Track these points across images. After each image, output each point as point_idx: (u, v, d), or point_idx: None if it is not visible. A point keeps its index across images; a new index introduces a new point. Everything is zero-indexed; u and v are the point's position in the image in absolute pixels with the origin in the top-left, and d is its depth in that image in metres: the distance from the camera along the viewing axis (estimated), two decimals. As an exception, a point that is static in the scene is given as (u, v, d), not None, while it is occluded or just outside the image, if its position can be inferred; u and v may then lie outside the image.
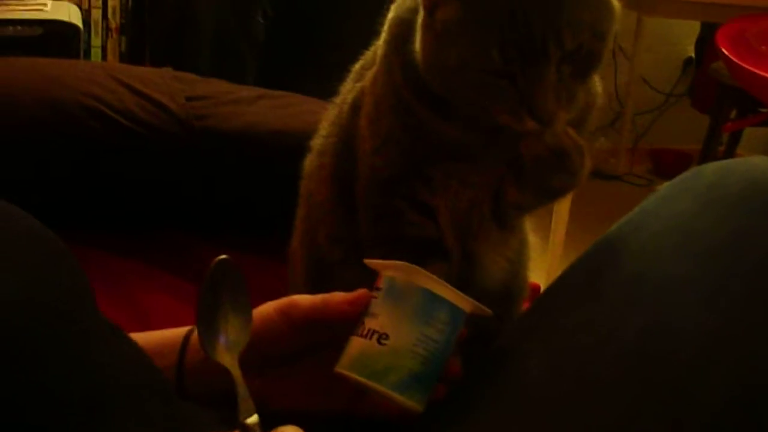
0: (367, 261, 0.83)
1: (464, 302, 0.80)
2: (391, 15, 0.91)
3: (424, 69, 0.82)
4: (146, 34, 2.63)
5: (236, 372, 0.77)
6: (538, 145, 0.84)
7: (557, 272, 0.91)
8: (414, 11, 0.85)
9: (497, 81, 0.77)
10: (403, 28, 0.87)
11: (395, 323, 0.78)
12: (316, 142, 1.02)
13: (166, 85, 1.40)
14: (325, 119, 1.02)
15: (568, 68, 0.77)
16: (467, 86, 0.79)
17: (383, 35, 0.91)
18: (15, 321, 0.59)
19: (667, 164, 3.91)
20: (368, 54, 0.96)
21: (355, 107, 0.95)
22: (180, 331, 0.88)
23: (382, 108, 0.90)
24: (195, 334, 0.86)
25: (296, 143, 1.05)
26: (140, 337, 0.85)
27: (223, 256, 0.81)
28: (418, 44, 0.83)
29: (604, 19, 0.79)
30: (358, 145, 0.93)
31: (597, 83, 0.90)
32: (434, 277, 0.79)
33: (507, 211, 0.93)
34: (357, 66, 0.98)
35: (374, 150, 0.91)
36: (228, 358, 0.78)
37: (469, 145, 0.87)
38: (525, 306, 1.02)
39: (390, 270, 0.80)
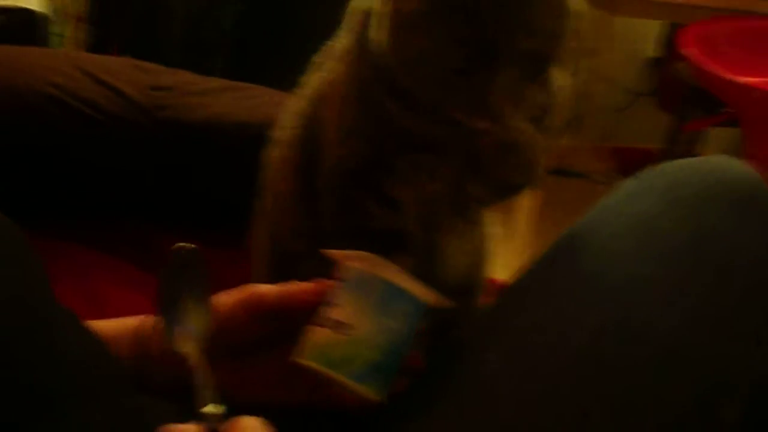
0: (327, 252, 0.83)
1: (425, 293, 0.80)
2: (352, 3, 0.90)
3: (387, 57, 0.82)
4: (115, 23, 2.60)
5: (194, 360, 0.76)
6: (490, 140, 0.84)
7: (520, 268, 0.92)
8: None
9: (451, 76, 0.78)
10: (366, 17, 0.86)
11: (355, 313, 0.78)
12: (279, 134, 1.02)
13: (131, 74, 1.39)
14: (289, 110, 1.02)
15: (519, 69, 0.78)
16: (423, 78, 0.80)
17: (345, 25, 0.91)
18: None
19: (630, 162, 3.92)
20: (331, 44, 0.95)
21: (319, 98, 0.94)
22: (137, 320, 0.87)
23: (347, 98, 0.89)
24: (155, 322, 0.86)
25: (261, 135, 1.05)
26: (98, 325, 0.84)
27: (183, 244, 0.80)
28: (380, 32, 0.82)
29: (559, 22, 0.79)
30: (322, 136, 0.92)
31: (560, 78, 0.90)
32: (395, 267, 0.79)
33: (468, 203, 0.93)
34: (320, 57, 0.98)
35: (339, 141, 0.90)
36: (186, 346, 0.77)
37: (435, 137, 0.87)
38: (486, 301, 1.02)
39: (350, 260, 0.81)
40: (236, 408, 0.71)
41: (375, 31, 0.83)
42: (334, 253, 0.82)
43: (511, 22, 0.76)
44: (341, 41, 0.92)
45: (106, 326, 0.86)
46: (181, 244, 0.80)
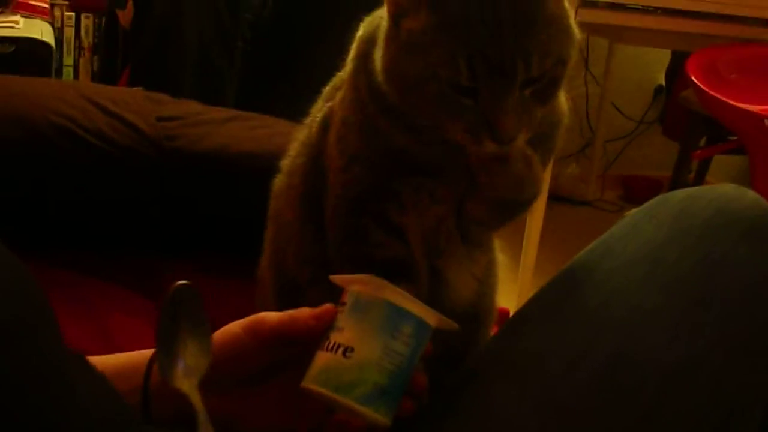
0: (332, 277, 0.83)
1: (429, 315, 0.80)
2: (359, 33, 0.91)
3: (384, 79, 0.82)
4: (125, 54, 2.62)
5: (195, 398, 0.77)
6: (487, 161, 0.84)
7: (527, 297, 0.92)
8: (378, 27, 0.85)
9: (459, 97, 0.77)
10: (370, 45, 0.87)
11: (360, 337, 0.78)
12: (286, 163, 1.02)
13: (137, 105, 1.40)
14: (295, 140, 1.02)
15: (530, 91, 0.78)
16: (428, 99, 0.79)
17: (351, 53, 0.91)
18: None
19: (638, 191, 3.93)
20: (339, 75, 0.96)
21: (324, 126, 0.94)
22: (145, 354, 0.87)
23: (349, 125, 0.90)
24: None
25: (267, 165, 1.05)
26: (104, 360, 0.85)
27: (182, 282, 0.81)
28: (378, 54, 0.82)
29: (569, 47, 0.79)
30: (326, 164, 0.93)
31: (563, 102, 0.90)
32: (399, 290, 0.79)
33: (470, 226, 0.92)
34: (328, 87, 0.98)
35: (341, 168, 0.90)
36: (187, 384, 0.78)
37: (434, 159, 0.87)
38: (494, 330, 1.02)
39: (355, 284, 0.81)
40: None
41: (379, 50, 0.83)
42: (337, 278, 0.83)
43: (529, 43, 0.75)
44: (345, 69, 0.93)
45: (113, 361, 0.87)
46: (180, 282, 0.81)
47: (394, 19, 0.80)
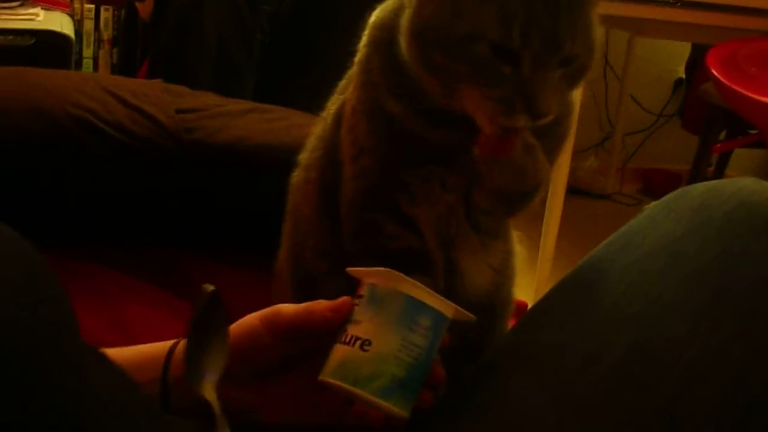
0: (349, 270, 0.83)
1: (447, 307, 0.80)
2: (372, 19, 0.91)
3: (414, 42, 0.80)
4: (144, 46, 2.63)
5: (215, 403, 0.78)
6: (489, 151, 0.83)
7: (545, 290, 0.91)
8: (396, 11, 0.85)
9: (500, 63, 0.75)
10: (385, 29, 0.86)
11: (378, 329, 0.78)
12: (303, 157, 1.03)
13: (157, 97, 1.40)
14: (312, 134, 1.02)
15: (562, 73, 0.77)
16: (466, 62, 0.77)
17: (363, 39, 0.91)
18: None
19: (657, 184, 3.92)
20: (353, 68, 0.96)
21: (338, 119, 0.95)
22: (163, 346, 0.88)
23: (358, 114, 0.90)
24: (178, 348, 0.86)
25: (285, 157, 1.05)
26: (123, 352, 0.85)
27: (211, 288, 0.81)
28: (405, 21, 0.81)
29: (596, 38, 0.80)
30: (340, 157, 0.93)
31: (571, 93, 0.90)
32: (416, 282, 0.79)
33: (477, 215, 0.92)
34: (343, 81, 0.98)
35: (352, 159, 0.91)
36: (208, 390, 0.78)
37: (443, 145, 0.86)
38: (511, 323, 1.02)
39: (371, 277, 0.81)
40: (263, 429, 0.71)
41: (396, 41, 0.83)
42: (356, 270, 0.83)
43: (576, 22, 0.75)
44: (356, 58, 0.93)
45: (133, 352, 0.87)
46: (209, 288, 0.81)
47: None
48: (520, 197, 0.90)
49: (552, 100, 0.76)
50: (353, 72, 0.93)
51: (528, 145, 0.83)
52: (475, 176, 0.87)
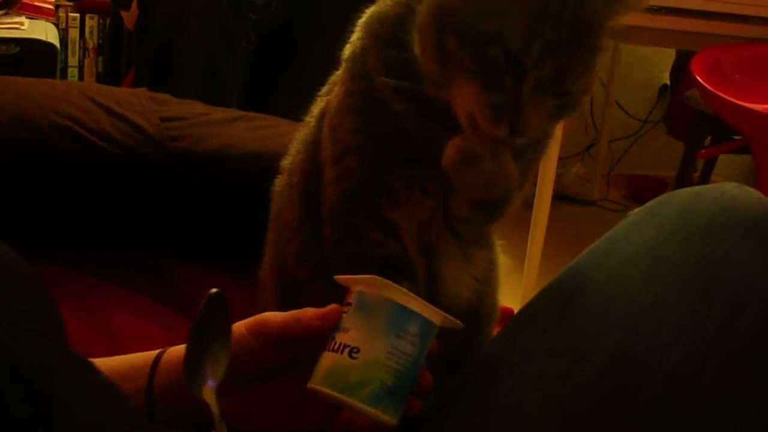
0: (336, 277, 0.83)
1: (434, 314, 0.80)
2: (367, 14, 0.90)
3: (437, 16, 0.79)
4: (130, 55, 2.62)
5: (215, 406, 0.77)
6: (453, 154, 0.83)
7: (531, 296, 0.92)
8: (398, 4, 0.85)
9: (506, 72, 0.76)
10: (383, 24, 0.87)
11: (366, 337, 0.78)
12: (287, 162, 1.03)
13: (141, 105, 1.40)
14: (296, 138, 1.02)
15: (556, 103, 0.78)
16: (474, 60, 0.77)
17: (356, 34, 0.91)
18: None
19: (643, 190, 3.93)
20: (336, 73, 0.96)
21: (321, 119, 0.95)
22: (148, 355, 0.88)
23: (344, 110, 0.90)
24: (164, 357, 0.86)
25: (271, 165, 1.05)
26: (109, 362, 0.85)
27: (215, 290, 0.81)
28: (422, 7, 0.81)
29: (592, 82, 0.81)
30: (322, 159, 0.93)
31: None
32: (403, 289, 0.79)
33: (455, 223, 0.92)
34: (326, 86, 0.98)
35: (335, 159, 0.91)
36: (210, 396, 0.78)
37: (428, 144, 0.85)
38: (497, 330, 1.02)
39: (359, 284, 0.81)
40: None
41: (398, 35, 0.83)
42: (342, 278, 0.83)
43: (587, 62, 0.77)
44: (345, 54, 0.93)
45: (118, 362, 0.87)
46: (214, 290, 0.81)
47: None
48: (493, 205, 0.89)
49: (535, 124, 0.77)
50: (340, 70, 0.93)
51: (496, 152, 0.82)
52: (450, 184, 0.87)
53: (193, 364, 0.79)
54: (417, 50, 0.82)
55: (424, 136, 0.86)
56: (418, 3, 0.82)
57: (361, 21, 0.91)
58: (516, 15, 0.75)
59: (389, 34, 0.85)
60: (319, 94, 1.00)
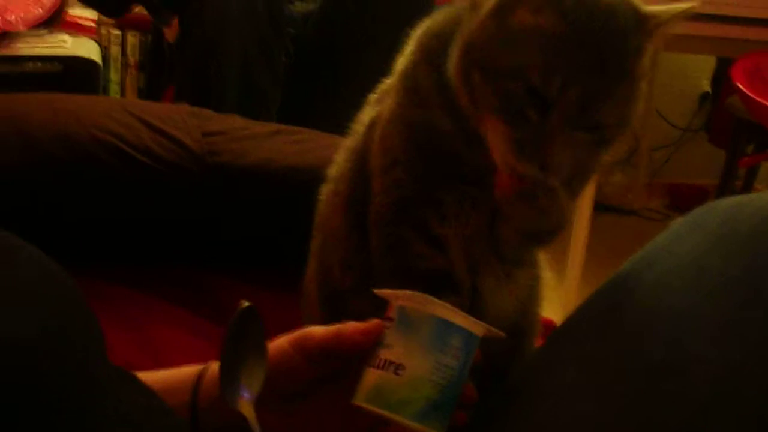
0: (376, 291, 0.83)
1: (477, 327, 0.80)
2: (422, 29, 0.91)
3: (464, 52, 0.81)
4: (170, 71, 2.65)
5: (253, 419, 0.78)
6: (509, 191, 0.83)
7: (572, 308, 0.91)
8: (453, 21, 0.85)
9: (530, 106, 0.76)
10: (437, 41, 0.87)
11: (410, 353, 0.78)
12: (333, 170, 1.03)
13: (183, 121, 1.41)
14: (343, 147, 1.02)
15: (589, 137, 0.78)
16: (499, 94, 0.78)
17: (409, 48, 0.91)
18: (24, 365, 0.59)
19: (684, 199, 3.89)
20: (387, 82, 0.96)
21: (370, 128, 0.95)
22: (192, 370, 0.88)
23: (395, 122, 0.90)
24: (209, 372, 0.87)
25: (311, 178, 1.05)
26: (153, 376, 0.85)
27: (247, 304, 0.81)
28: (472, 28, 0.81)
29: (635, 111, 0.81)
30: (370, 168, 0.93)
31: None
32: (445, 304, 0.79)
33: (501, 245, 0.92)
34: (375, 94, 0.99)
35: (384, 169, 0.91)
36: (247, 408, 0.78)
37: (479, 167, 0.86)
38: (539, 342, 1.01)
39: (400, 300, 0.81)
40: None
41: (461, 34, 0.83)
42: (384, 292, 0.83)
43: (613, 94, 0.76)
44: (397, 66, 0.93)
45: (162, 377, 0.87)
46: (245, 304, 0.81)
47: (504, 5, 0.79)
48: (543, 235, 0.91)
49: (565, 160, 0.77)
50: (392, 82, 0.93)
51: (549, 188, 0.83)
52: (501, 213, 0.88)
53: (228, 377, 0.80)
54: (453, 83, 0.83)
55: (472, 161, 0.86)
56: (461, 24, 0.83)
57: (417, 34, 0.91)
58: (535, 48, 0.76)
59: (441, 52, 0.85)
60: (369, 103, 0.99)
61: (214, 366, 0.86)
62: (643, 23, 0.78)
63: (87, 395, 0.63)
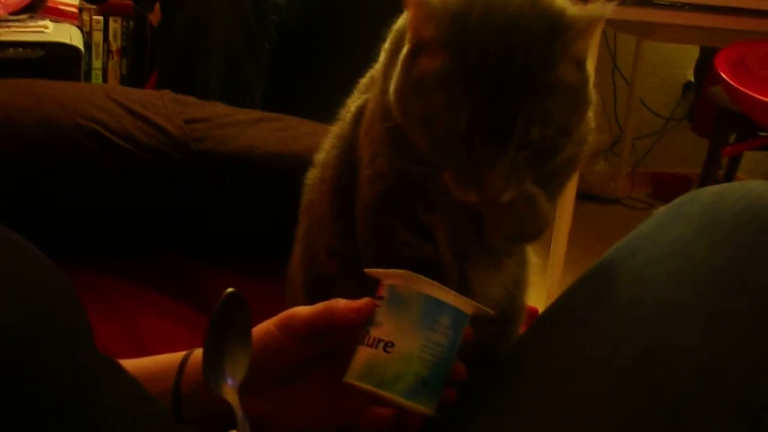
0: (367, 270, 0.84)
1: (466, 304, 0.81)
2: (398, 24, 0.90)
3: (393, 103, 0.83)
4: (153, 58, 2.64)
5: (237, 405, 0.78)
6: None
7: (556, 296, 0.91)
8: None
9: (454, 142, 0.78)
10: (402, 40, 0.87)
11: (400, 331, 0.79)
12: (320, 156, 1.03)
13: (165, 107, 1.40)
14: (330, 133, 1.02)
15: (525, 155, 0.78)
16: (426, 136, 0.80)
17: (386, 44, 0.91)
18: (10, 351, 0.59)
19: (667, 188, 3.91)
20: (376, 67, 0.96)
21: (358, 118, 0.95)
22: (175, 357, 0.88)
23: (377, 115, 0.90)
24: (191, 359, 0.86)
25: (295, 165, 1.05)
26: (137, 363, 0.85)
27: (231, 290, 0.81)
28: (394, 73, 0.83)
29: (577, 117, 0.80)
30: (357, 157, 0.93)
31: (591, 120, 0.89)
32: (434, 282, 0.80)
33: (487, 243, 0.92)
34: (364, 79, 0.98)
35: (368, 161, 0.91)
36: (231, 394, 0.79)
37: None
38: (522, 329, 1.02)
39: (391, 278, 0.82)
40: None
41: (394, 69, 0.83)
42: (375, 271, 0.83)
43: (531, 108, 0.76)
44: (379, 61, 0.93)
45: (145, 363, 0.87)
46: (230, 290, 0.81)
47: (413, 51, 0.80)
48: (525, 238, 0.92)
49: (502, 182, 0.78)
50: (376, 72, 0.93)
51: (529, 196, 0.85)
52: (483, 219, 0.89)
53: (211, 363, 0.80)
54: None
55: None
56: None
57: (395, 28, 0.91)
58: (438, 90, 0.77)
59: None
60: (358, 88, 0.99)
61: (198, 353, 0.86)
62: (560, 32, 0.77)
63: (74, 383, 0.63)
